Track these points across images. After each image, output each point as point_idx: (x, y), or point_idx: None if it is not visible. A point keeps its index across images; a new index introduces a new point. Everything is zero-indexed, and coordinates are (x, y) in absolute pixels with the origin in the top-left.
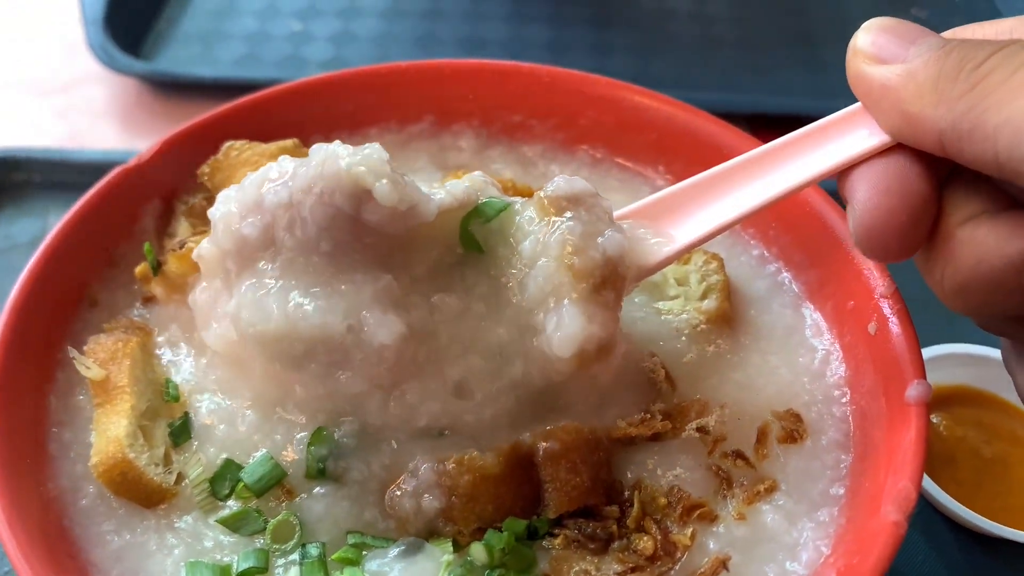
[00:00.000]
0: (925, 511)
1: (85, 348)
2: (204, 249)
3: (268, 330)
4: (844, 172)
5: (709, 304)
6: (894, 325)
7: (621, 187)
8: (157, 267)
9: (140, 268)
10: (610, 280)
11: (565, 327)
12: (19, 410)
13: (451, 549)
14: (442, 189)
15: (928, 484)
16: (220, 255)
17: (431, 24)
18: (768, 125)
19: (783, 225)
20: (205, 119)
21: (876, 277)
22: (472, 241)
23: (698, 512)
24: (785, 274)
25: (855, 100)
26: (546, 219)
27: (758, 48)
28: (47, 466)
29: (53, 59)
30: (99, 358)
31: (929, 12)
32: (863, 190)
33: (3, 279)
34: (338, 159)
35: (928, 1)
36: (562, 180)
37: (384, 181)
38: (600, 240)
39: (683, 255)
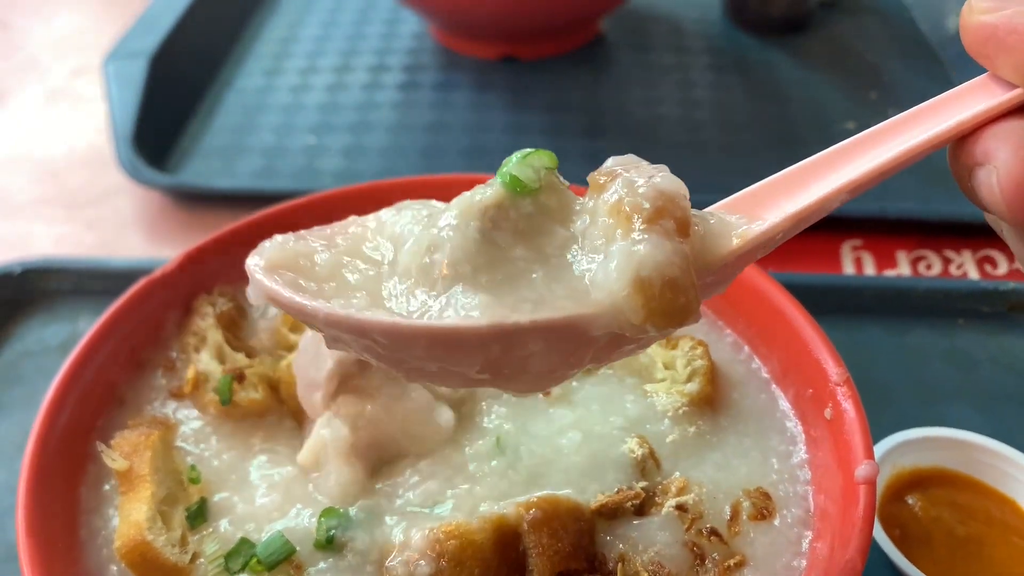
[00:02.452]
0: None
1: (112, 442)
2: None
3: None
4: (966, 138)
5: (692, 387)
6: (847, 411)
7: None
8: (229, 398)
9: (191, 375)
10: (667, 211)
11: (615, 255)
12: (53, 500)
13: None
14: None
15: (904, 563)
16: None
17: (435, 136)
18: None
19: (744, 316)
20: (222, 233)
21: (831, 366)
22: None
23: None
24: (756, 361)
25: None
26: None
27: (744, 151)
28: (77, 550)
29: (85, 174)
30: (123, 451)
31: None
32: (1006, 148)
33: (37, 380)
34: None
35: (904, 102)
36: (610, 159)
37: None
38: (648, 178)
39: (775, 237)
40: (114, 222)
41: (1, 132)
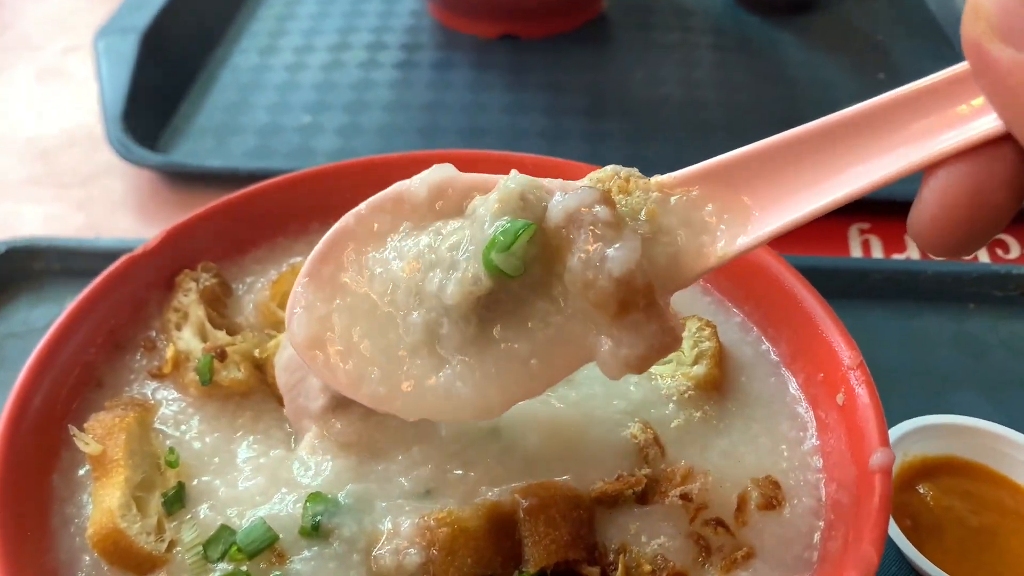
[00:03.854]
0: None
1: (85, 425)
2: None
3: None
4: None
5: (698, 370)
6: (860, 396)
7: None
8: (209, 379)
9: (171, 354)
10: (630, 303)
11: (606, 360)
12: (24, 487)
13: None
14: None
15: (914, 554)
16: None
17: (433, 116)
18: None
19: (752, 297)
20: (206, 210)
21: (843, 350)
22: (494, 267)
23: None
24: (764, 343)
25: None
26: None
27: (747, 132)
28: (48, 539)
29: (76, 153)
30: (97, 434)
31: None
32: (944, 187)
33: (21, 363)
34: None
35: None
36: (557, 198)
37: None
38: (606, 263)
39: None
40: (104, 202)
41: None
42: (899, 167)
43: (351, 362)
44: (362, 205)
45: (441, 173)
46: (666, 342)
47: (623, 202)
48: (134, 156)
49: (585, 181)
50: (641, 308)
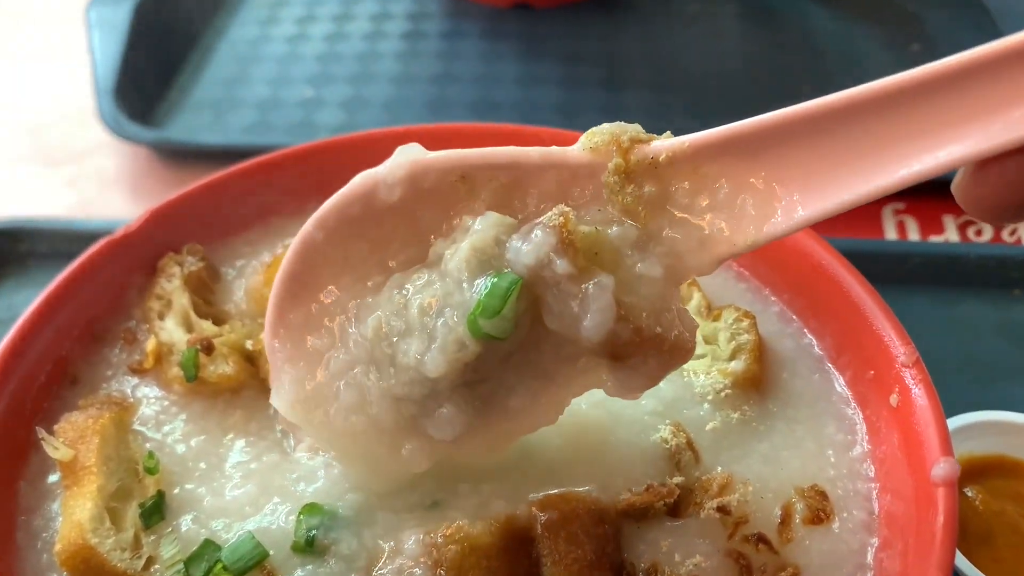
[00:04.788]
0: None
1: (55, 427)
2: None
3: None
4: None
5: (736, 366)
6: (918, 398)
7: None
8: (195, 374)
9: (153, 347)
10: (622, 354)
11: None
12: None
13: None
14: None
15: (964, 564)
16: None
17: (442, 88)
18: None
19: (793, 285)
20: (194, 188)
21: (896, 345)
22: (482, 333)
23: None
24: (807, 335)
25: None
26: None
27: (774, 105)
28: (11, 557)
29: (65, 129)
30: (68, 437)
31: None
32: (997, 174)
33: None
34: None
35: (948, 55)
36: (514, 247)
37: None
38: (581, 332)
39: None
40: (96, 180)
41: None
42: (949, 158)
43: (339, 434)
44: (327, 207)
45: (410, 156)
46: (673, 364)
47: (617, 191)
48: (127, 132)
49: (578, 147)
50: (635, 353)
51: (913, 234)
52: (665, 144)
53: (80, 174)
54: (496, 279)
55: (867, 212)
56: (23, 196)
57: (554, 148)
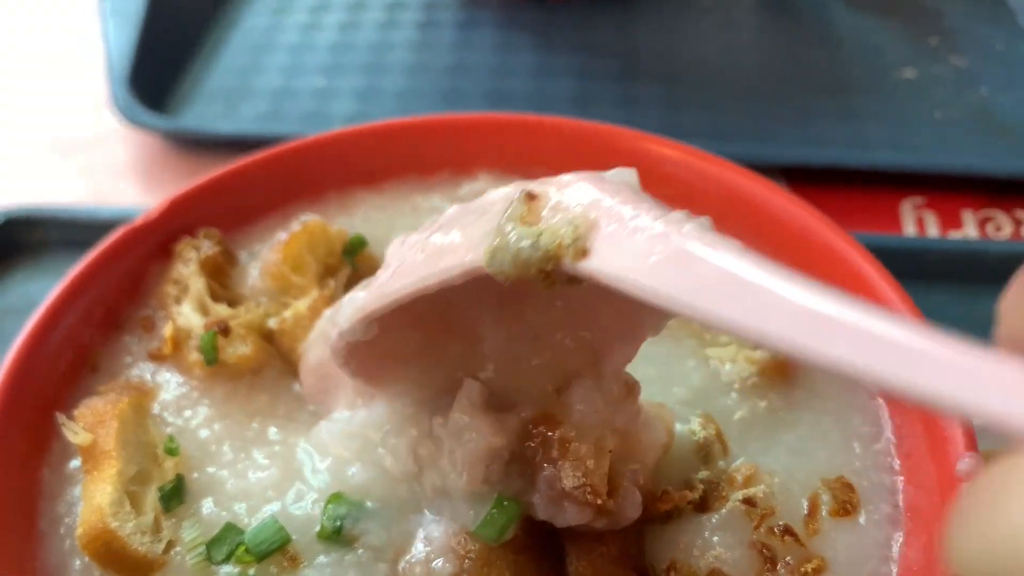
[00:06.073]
0: None
1: (75, 412)
2: None
3: None
4: None
5: (762, 353)
6: None
7: None
8: (215, 357)
9: (171, 333)
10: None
11: None
12: (11, 484)
13: None
14: None
15: None
16: None
17: (456, 79)
18: (804, 177)
19: (817, 277)
20: (212, 177)
21: None
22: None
23: None
24: None
25: (890, 151)
26: None
27: (791, 98)
28: (35, 543)
29: (79, 117)
30: (88, 422)
31: (969, 61)
32: None
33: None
34: None
35: (967, 49)
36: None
37: None
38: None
39: None
40: (108, 169)
41: None
42: None
43: None
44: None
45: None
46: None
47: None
48: (140, 120)
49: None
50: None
51: (932, 229)
52: None
53: (92, 162)
54: (495, 512)
55: (885, 207)
56: (36, 184)
57: None
